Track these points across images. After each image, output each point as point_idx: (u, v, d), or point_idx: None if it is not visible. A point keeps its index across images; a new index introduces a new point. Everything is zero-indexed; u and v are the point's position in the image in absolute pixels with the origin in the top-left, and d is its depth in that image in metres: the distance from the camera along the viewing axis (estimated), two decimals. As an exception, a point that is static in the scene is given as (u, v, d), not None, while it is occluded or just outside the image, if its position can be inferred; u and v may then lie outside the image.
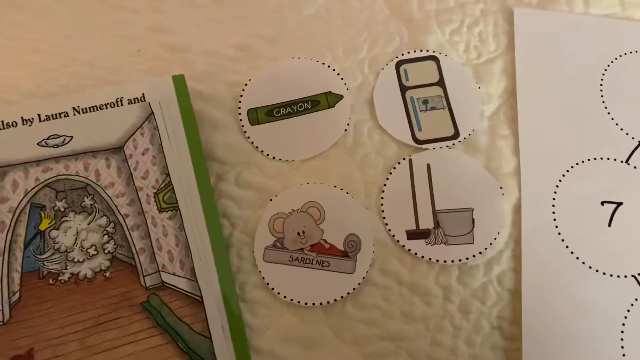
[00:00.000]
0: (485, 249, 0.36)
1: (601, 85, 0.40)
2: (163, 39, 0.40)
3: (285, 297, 0.35)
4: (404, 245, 0.36)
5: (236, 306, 0.33)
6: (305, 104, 0.40)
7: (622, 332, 0.34)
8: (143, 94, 0.35)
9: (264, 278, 0.35)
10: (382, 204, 0.37)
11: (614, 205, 0.37)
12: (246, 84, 0.40)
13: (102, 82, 0.36)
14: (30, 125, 0.34)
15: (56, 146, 0.34)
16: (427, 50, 0.41)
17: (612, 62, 0.41)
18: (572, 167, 0.38)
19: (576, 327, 0.34)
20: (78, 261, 0.33)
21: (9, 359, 0.31)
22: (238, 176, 0.38)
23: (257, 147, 0.38)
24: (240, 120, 0.39)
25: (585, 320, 0.34)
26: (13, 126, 0.34)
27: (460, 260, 0.36)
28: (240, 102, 0.39)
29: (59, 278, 0.32)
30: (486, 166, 0.38)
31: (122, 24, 0.40)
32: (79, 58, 0.39)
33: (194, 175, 0.35)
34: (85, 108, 0.34)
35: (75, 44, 0.39)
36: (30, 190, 0.33)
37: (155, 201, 0.34)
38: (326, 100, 0.40)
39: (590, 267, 0.35)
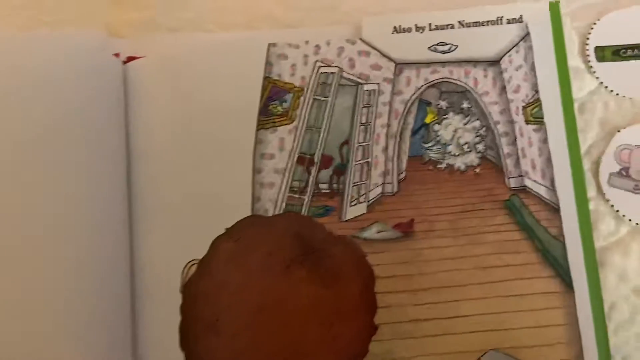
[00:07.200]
0: None
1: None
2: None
3: (630, 220, 0.37)
4: None
5: (587, 218, 0.36)
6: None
7: None
8: (521, 16, 0.39)
9: (608, 200, 0.37)
10: None
11: None
12: (595, 23, 0.42)
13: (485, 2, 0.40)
14: (422, 32, 0.39)
15: (443, 52, 0.38)
16: None
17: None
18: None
19: None
20: (454, 154, 0.37)
21: (396, 224, 0.36)
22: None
23: (601, 82, 0.40)
24: (587, 55, 0.41)
25: None
26: (408, 31, 0.39)
27: None
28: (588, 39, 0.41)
29: (438, 166, 0.37)
30: None
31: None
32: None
33: (560, 96, 0.38)
34: (470, 22, 0.39)
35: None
36: (420, 87, 0.38)
37: (523, 114, 0.38)
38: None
39: None
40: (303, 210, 0.36)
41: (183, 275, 0.35)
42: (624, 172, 0.38)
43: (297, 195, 0.36)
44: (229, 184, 0.36)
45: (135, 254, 0.36)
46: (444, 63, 0.38)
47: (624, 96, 0.40)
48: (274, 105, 0.37)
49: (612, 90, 0.40)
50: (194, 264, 0.35)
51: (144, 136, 0.37)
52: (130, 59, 0.39)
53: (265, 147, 0.36)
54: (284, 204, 0.36)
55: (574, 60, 0.40)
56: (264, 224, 0.36)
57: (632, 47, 0.41)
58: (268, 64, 0.37)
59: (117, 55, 0.38)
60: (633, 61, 0.40)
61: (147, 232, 0.36)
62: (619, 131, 0.39)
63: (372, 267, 0.35)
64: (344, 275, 0.35)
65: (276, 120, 0.37)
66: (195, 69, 0.38)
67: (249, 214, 0.36)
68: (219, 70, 0.37)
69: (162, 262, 0.35)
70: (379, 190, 0.37)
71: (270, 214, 0.36)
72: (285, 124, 0.37)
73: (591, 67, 0.40)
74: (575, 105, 0.39)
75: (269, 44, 0.38)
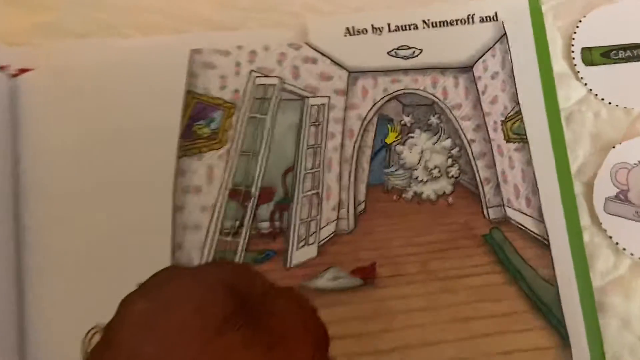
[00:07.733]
0: None
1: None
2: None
3: (632, 254, 0.31)
4: None
5: (582, 254, 0.30)
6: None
7: None
8: (496, 13, 0.33)
9: (606, 230, 0.32)
10: None
11: None
12: (580, 21, 0.36)
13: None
14: (379, 34, 0.32)
15: (405, 57, 0.32)
16: None
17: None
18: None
19: None
20: (422, 181, 0.31)
21: (354, 269, 0.30)
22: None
23: (590, 89, 0.35)
24: (573, 59, 0.35)
25: None
26: (363, 33, 0.32)
27: None
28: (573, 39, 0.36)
29: (403, 195, 0.31)
30: None
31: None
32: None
33: (544, 107, 0.32)
34: (435, 22, 0.32)
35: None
36: (379, 101, 0.32)
37: (502, 130, 0.32)
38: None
39: None
40: (238, 257, 0.29)
41: (84, 345, 0.28)
42: (622, 196, 0.32)
43: (229, 239, 0.29)
44: (143, 227, 0.29)
45: (26, 318, 0.28)
46: (406, 70, 0.32)
47: (616, 105, 0.35)
48: (200, 126, 0.30)
49: (603, 99, 0.35)
50: (98, 330, 0.28)
51: (37, 166, 0.30)
52: (23, 71, 0.31)
53: (190, 178, 0.30)
54: (213, 251, 0.29)
55: (558, 65, 0.35)
56: (188, 277, 0.29)
57: (624, 47, 0.36)
58: (191, 75, 0.31)
59: (2, 67, 0.31)
60: (625, 64, 0.35)
61: (40, 290, 0.29)
62: (613, 147, 0.33)
63: (325, 324, 0.29)
64: (290, 337, 0.28)
65: (202, 144, 0.30)
66: (102, 82, 0.31)
67: (169, 264, 0.29)
68: (131, 84, 0.30)
69: (58, 327, 0.28)
70: (332, 227, 0.31)
71: (195, 263, 0.29)
72: (215, 149, 0.30)
73: (578, 72, 0.35)
74: (562, 117, 0.34)
75: (192, 51, 0.31)
